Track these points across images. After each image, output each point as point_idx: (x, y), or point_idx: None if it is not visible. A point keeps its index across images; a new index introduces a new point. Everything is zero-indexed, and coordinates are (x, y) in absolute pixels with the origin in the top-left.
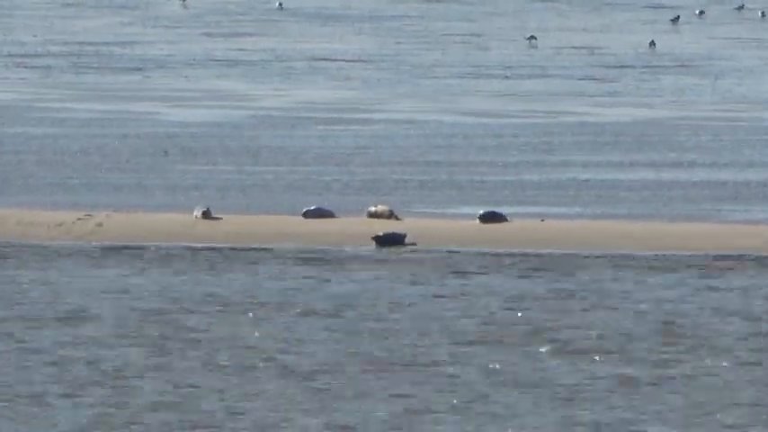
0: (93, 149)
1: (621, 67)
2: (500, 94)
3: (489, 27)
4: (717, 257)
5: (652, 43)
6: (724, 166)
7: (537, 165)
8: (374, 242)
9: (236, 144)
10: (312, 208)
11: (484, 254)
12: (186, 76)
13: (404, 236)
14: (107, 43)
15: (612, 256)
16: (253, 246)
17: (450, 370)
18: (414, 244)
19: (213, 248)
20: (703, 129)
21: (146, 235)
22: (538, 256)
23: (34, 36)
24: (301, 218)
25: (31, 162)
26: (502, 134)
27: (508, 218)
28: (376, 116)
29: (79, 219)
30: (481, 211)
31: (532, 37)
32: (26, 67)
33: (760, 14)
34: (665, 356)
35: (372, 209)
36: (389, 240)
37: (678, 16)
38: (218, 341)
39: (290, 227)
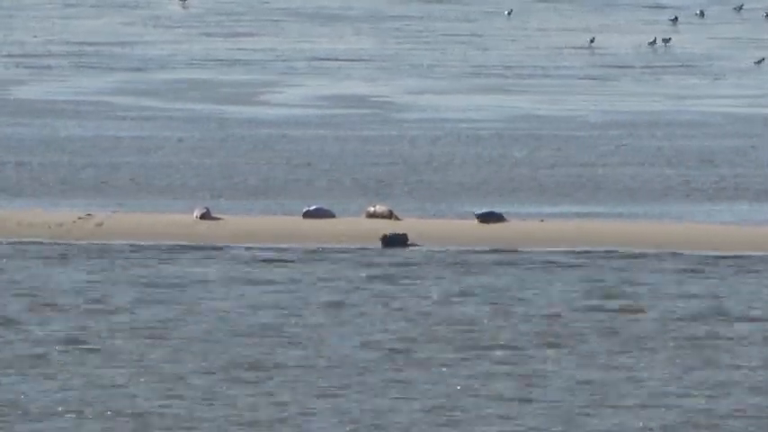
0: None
1: (622, 66)
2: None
3: (489, 27)
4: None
5: (666, 40)
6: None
7: None
8: (381, 243)
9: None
10: (312, 208)
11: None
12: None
13: (405, 236)
14: (108, 43)
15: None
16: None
17: None
18: (416, 244)
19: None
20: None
21: (146, 235)
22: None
23: (35, 36)
24: (301, 218)
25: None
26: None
27: (506, 218)
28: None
29: (80, 218)
30: (480, 211)
31: (592, 40)
32: (26, 67)
33: (764, 15)
34: None
35: (371, 209)
36: (394, 241)
37: (677, 17)
38: None
39: (290, 227)
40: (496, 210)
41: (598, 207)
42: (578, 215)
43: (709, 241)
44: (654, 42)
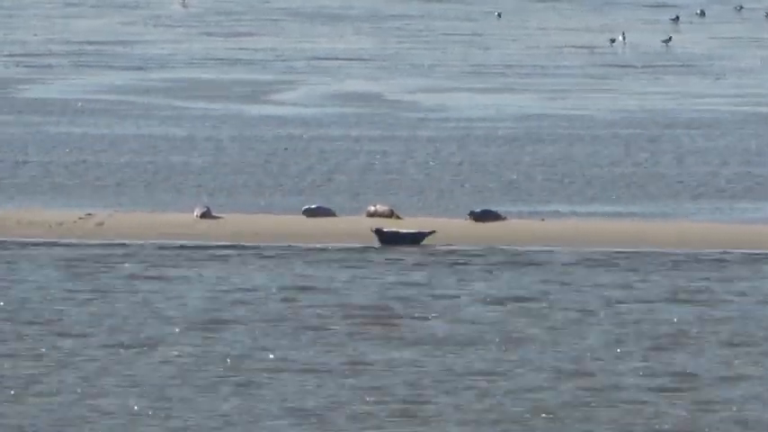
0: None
1: (623, 66)
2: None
3: (489, 27)
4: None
5: (666, 40)
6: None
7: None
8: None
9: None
10: (312, 207)
11: None
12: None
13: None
14: (108, 42)
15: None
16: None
17: None
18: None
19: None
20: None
21: (147, 234)
22: None
23: (35, 35)
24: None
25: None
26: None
27: (506, 217)
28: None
29: (80, 218)
30: (476, 210)
31: (613, 40)
32: (27, 66)
33: (765, 15)
34: None
35: (372, 208)
36: (394, 239)
37: (678, 16)
38: None
39: (291, 226)
40: (499, 209)
41: (602, 207)
42: (580, 214)
43: (719, 240)
44: (613, 41)
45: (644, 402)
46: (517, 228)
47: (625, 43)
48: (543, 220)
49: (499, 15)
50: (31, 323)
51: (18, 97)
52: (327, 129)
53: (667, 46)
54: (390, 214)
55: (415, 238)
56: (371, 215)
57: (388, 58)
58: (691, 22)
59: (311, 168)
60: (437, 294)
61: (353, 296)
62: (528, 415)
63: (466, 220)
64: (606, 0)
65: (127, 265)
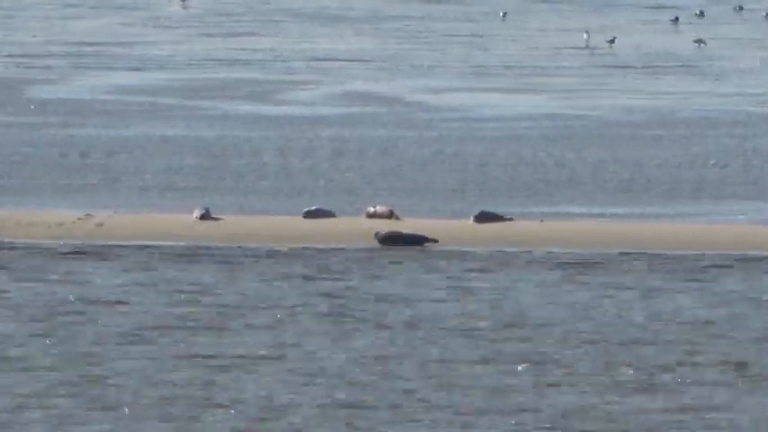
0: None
1: (624, 67)
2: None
3: (489, 28)
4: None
5: (700, 41)
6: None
7: None
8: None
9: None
10: (312, 208)
11: None
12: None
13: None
14: (108, 43)
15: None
16: None
17: None
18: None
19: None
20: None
21: (147, 235)
22: None
23: (34, 36)
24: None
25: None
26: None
27: (507, 218)
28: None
29: (79, 219)
30: (477, 211)
31: (611, 40)
32: (26, 67)
33: (764, 15)
34: None
35: (371, 209)
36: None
37: (677, 17)
38: None
39: (290, 227)
40: (500, 210)
41: (602, 207)
42: (580, 215)
43: (717, 241)
44: (613, 41)
45: None
46: (517, 229)
47: (589, 44)
48: (542, 221)
49: (504, 15)
50: None
51: (17, 98)
52: (327, 129)
53: (699, 47)
54: (390, 215)
55: (414, 240)
56: (371, 216)
57: (389, 59)
58: (690, 23)
59: (312, 168)
60: None
61: None
62: None
63: (469, 221)
64: (606, 2)
65: None
